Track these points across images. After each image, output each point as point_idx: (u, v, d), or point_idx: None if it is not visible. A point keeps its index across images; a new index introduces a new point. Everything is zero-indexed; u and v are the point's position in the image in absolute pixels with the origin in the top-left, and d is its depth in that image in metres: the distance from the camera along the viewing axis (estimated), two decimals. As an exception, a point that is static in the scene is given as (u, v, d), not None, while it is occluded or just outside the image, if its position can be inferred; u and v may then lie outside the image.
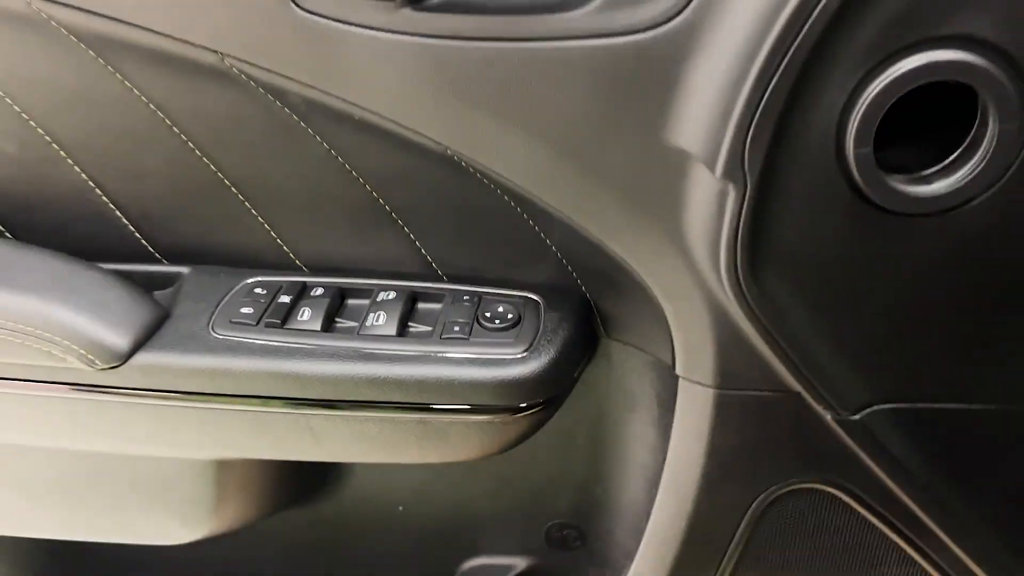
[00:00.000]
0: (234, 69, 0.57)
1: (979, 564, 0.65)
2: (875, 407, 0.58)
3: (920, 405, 0.59)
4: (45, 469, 0.74)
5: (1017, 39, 0.45)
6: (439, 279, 0.68)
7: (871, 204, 0.49)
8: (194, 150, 0.62)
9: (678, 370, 0.62)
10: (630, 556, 0.74)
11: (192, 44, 0.56)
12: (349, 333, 0.64)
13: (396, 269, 0.68)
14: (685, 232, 0.55)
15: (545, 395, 0.64)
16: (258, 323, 0.64)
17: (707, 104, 0.49)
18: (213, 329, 0.63)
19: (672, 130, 0.51)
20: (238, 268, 0.68)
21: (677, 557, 0.69)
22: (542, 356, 0.62)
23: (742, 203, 0.50)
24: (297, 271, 0.69)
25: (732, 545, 0.67)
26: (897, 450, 0.60)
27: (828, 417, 0.59)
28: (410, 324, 0.65)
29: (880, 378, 0.58)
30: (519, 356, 0.62)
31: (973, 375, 0.58)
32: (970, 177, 0.48)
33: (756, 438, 0.62)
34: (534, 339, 0.63)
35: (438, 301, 0.67)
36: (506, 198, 0.61)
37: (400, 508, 0.89)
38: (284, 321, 0.64)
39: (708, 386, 0.60)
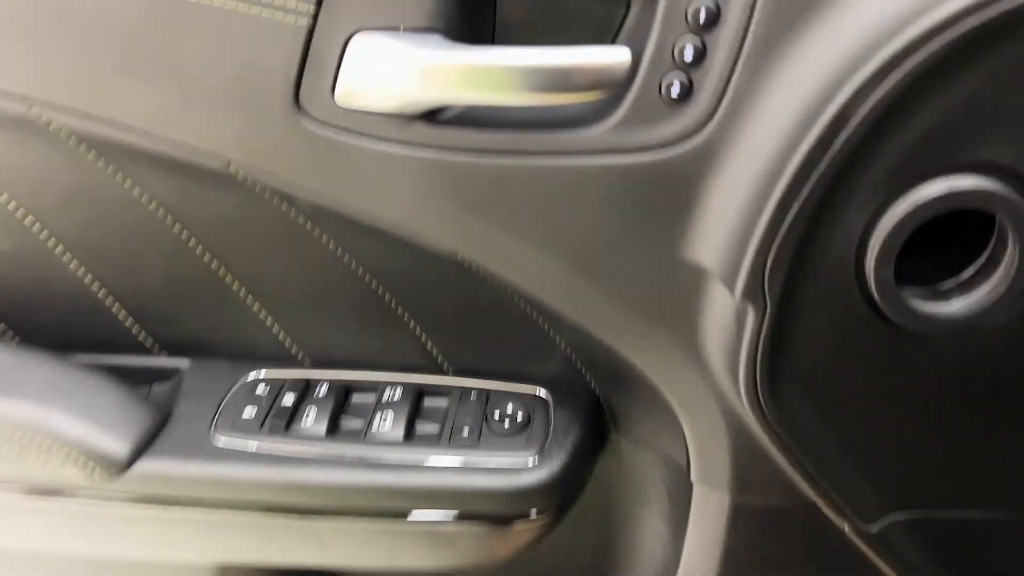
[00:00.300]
0: (241, 174, 0.56)
1: None
2: (892, 517, 0.57)
3: (937, 513, 0.58)
4: (42, 574, 0.71)
5: None
6: (445, 372, 0.67)
7: (890, 323, 0.49)
8: (196, 247, 0.61)
9: (693, 476, 0.61)
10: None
11: (199, 151, 0.55)
12: (355, 437, 0.62)
13: (402, 362, 0.66)
14: (702, 346, 0.54)
15: (556, 501, 0.63)
16: (261, 427, 0.62)
17: (726, 224, 0.48)
18: (215, 434, 0.62)
19: (689, 246, 0.50)
20: (239, 362, 0.67)
21: None
22: (554, 462, 0.61)
23: (762, 322, 0.49)
24: (300, 364, 0.67)
25: None
26: (914, 558, 0.59)
27: (846, 528, 0.58)
28: (417, 423, 0.64)
29: (898, 489, 0.57)
30: (530, 463, 0.61)
31: (989, 483, 0.57)
32: (989, 299, 0.48)
33: (773, 546, 0.61)
34: (544, 442, 0.62)
35: (445, 395, 0.65)
36: (515, 297, 0.60)
37: None
38: (288, 425, 0.62)
39: (724, 492, 0.59)
